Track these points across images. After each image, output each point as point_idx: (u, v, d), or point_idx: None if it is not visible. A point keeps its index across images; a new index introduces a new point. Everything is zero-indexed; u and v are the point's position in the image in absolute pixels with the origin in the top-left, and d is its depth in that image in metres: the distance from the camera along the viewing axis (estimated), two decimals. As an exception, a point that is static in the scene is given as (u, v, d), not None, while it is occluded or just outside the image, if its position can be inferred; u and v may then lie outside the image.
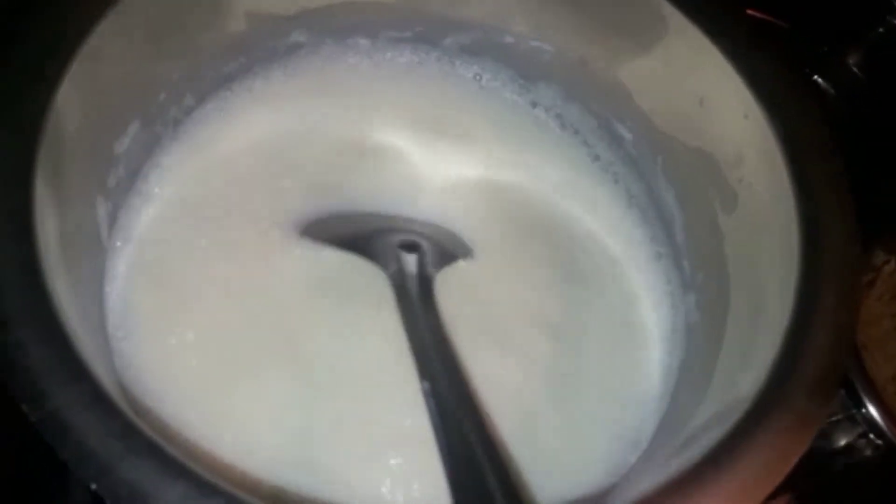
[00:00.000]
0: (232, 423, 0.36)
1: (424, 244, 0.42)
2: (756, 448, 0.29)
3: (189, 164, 0.43)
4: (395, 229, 0.43)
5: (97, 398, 0.26)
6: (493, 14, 0.46)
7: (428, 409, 0.33)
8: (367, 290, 0.41)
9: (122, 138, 0.38)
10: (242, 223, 0.42)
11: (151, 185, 0.42)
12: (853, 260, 0.34)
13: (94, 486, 0.24)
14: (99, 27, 0.33)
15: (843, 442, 0.43)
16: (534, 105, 0.49)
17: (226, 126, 0.44)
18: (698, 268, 0.42)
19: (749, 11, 0.54)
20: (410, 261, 0.41)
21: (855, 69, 0.65)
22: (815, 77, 0.65)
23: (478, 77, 0.48)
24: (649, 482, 0.30)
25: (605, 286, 0.45)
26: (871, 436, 0.42)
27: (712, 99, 0.40)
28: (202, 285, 0.40)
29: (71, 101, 0.32)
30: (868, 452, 0.43)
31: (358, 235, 0.42)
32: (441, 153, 0.46)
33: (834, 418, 0.43)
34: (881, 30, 0.64)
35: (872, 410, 0.42)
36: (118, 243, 0.40)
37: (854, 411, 0.42)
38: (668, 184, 0.44)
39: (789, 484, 0.28)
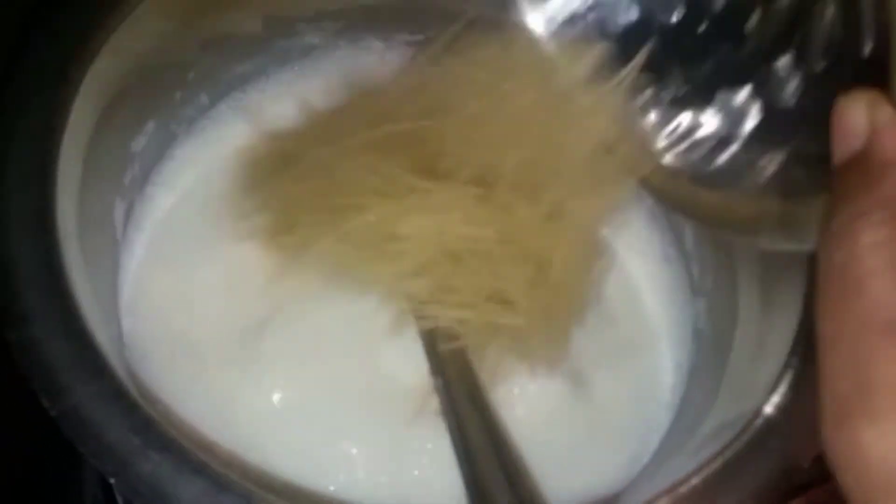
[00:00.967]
0: (239, 414, 0.36)
1: None
2: (768, 454, 0.30)
3: (202, 159, 0.43)
4: None
5: (117, 394, 0.26)
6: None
7: (441, 406, 0.34)
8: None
9: (138, 137, 0.38)
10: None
11: (164, 179, 0.42)
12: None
13: (112, 481, 0.24)
14: (119, 28, 0.33)
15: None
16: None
17: (239, 124, 0.44)
18: (707, 272, 0.43)
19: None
20: None
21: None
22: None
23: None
24: (657, 488, 0.31)
25: (614, 291, 0.45)
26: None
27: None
28: (211, 278, 0.40)
29: (92, 100, 0.32)
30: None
31: None
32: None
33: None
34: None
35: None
36: (132, 236, 0.40)
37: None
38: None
39: (801, 489, 0.28)
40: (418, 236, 0.33)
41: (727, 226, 0.34)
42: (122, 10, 0.33)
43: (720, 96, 0.34)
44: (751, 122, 0.33)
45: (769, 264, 0.36)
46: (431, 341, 0.35)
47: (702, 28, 0.34)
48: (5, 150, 0.29)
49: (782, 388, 0.31)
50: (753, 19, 0.32)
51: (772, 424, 0.30)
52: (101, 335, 0.28)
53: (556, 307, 0.36)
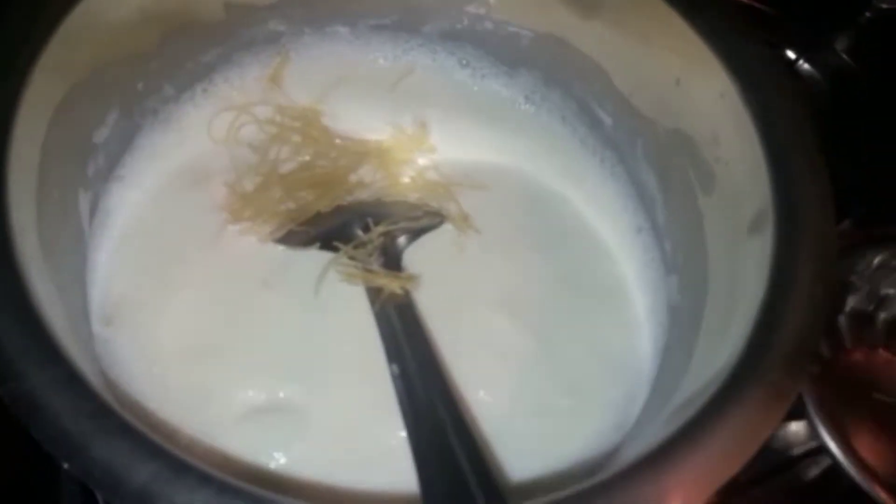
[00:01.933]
0: (208, 403, 0.36)
1: (388, 220, 0.42)
2: (729, 421, 0.29)
3: (168, 151, 0.43)
4: (359, 213, 0.43)
5: (70, 379, 0.26)
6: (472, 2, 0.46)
7: (396, 393, 0.34)
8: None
9: (101, 128, 0.38)
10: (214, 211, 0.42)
11: (130, 171, 0.42)
12: (828, 236, 0.34)
13: (66, 466, 0.24)
14: (72, 14, 0.33)
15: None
16: (515, 90, 0.49)
17: (204, 115, 0.44)
18: (679, 249, 0.43)
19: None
20: (374, 237, 0.42)
21: (843, 54, 0.65)
22: (803, 63, 0.65)
23: (462, 63, 0.49)
24: (628, 459, 0.31)
25: (592, 266, 0.45)
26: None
27: (689, 79, 0.40)
28: (178, 270, 0.40)
29: (45, 90, 0.32)
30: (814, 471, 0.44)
31: (328, 231, 0.42)
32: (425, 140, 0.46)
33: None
34: (868, 14, 0.65)
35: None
36: (98, 229, 0.40)
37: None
38: (649, 166, 0.44)
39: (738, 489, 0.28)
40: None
41: None
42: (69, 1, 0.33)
43: None
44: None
45: (737, 240, 0.36)
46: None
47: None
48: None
49: (745, 358, 0.31)
50: None
51: (733, 393, 0.30)
52: (62, 326, 0.28)
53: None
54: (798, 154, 0.35)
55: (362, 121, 0.47)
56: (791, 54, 0.64)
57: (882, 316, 0.49)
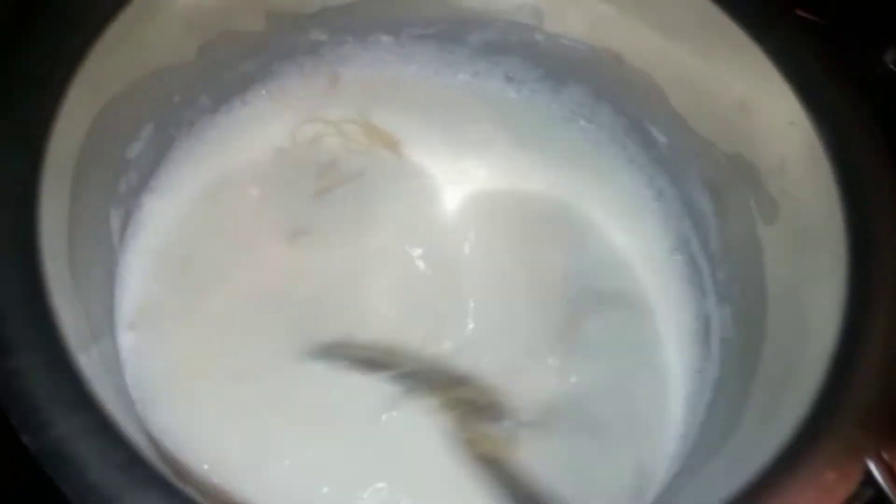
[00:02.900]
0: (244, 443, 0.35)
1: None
2: (799, 483, 0.27)
3: (203, 164, 0.42)
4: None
5: (102, 427, 0.24)
6: (521, 10, 0.44)
7: None
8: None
9: (133, 144, 0.37)
10: (255, 225, 0.41)
11: (163, 185, 0.41)
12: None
13: (96, 523, 0.23)
14: (109, 29, 0.31)
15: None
16: (564, 105, 0.47)
17: (242, 126, 0.43)
18: (734, 279, 0.40)
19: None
20: None
21: (891, 65, 0.63)
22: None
23: (509, 77, 0.46)
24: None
25: (630, 291, 0.44)
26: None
27: (755, 103, 0.37)
28: (215, 287, 0.39)
29: (81, 106, 0.31)
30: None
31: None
32: (465, 157, 0.45)
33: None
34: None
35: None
36: (130, 246, 0.39)
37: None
38: (704, 189, 0.42)
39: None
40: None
41: None
42: (110, 11, 0.31)
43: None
44: None
45: (803, 278, 0.34)
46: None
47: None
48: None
49: (816, 411, 0.29)
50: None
51: (803, 450, 0.28)
52: (91, 362, 0.27)
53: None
54: (877, 192, 0.33)
55: (398, 131, 0.45)
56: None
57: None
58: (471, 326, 0.41)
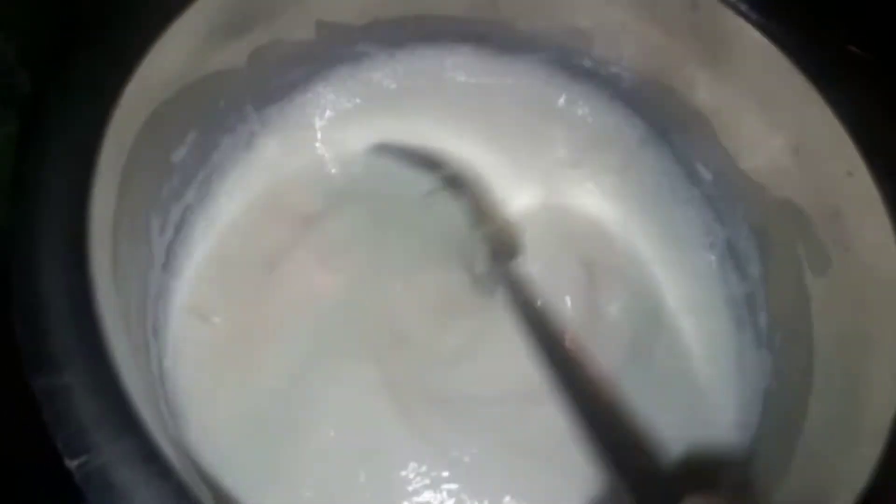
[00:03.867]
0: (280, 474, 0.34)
1: None
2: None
3: (246, 172, 0.41)
4: None
5: (148, 455, 0.23)
6: (572, 35, 0.43)
7: None
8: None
9: (179, 148, 0.36)
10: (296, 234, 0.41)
11: (203, 192, 0.40)
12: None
13: (140, 557, 0.22)
14: (161, 37, 0.30)
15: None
16: (610, 131, 0.46)
17: (285, 132, 0.43)
18: (777, 328, 0.40)
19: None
20: None
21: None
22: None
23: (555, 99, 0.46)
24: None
25: (669, 327, 0.43)
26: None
27: (810, 149, 0.37)
28: (252, 291, 0.39)
29: (132, 114, 0.30)
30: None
31: None
32: (511, 178, 0.44)
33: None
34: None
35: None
36: (171, 251, 0.38)
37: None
38: (750, 232, 0.41)
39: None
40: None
41: None
42: (163, 21, 0.30)
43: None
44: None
45: (855, 333, 0.33)
46: None
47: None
48: (36, 176, 0.26)
49: (878, 481, 0.28)
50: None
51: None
52: (136, 380, 0.26)
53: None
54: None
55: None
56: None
57: None
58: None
